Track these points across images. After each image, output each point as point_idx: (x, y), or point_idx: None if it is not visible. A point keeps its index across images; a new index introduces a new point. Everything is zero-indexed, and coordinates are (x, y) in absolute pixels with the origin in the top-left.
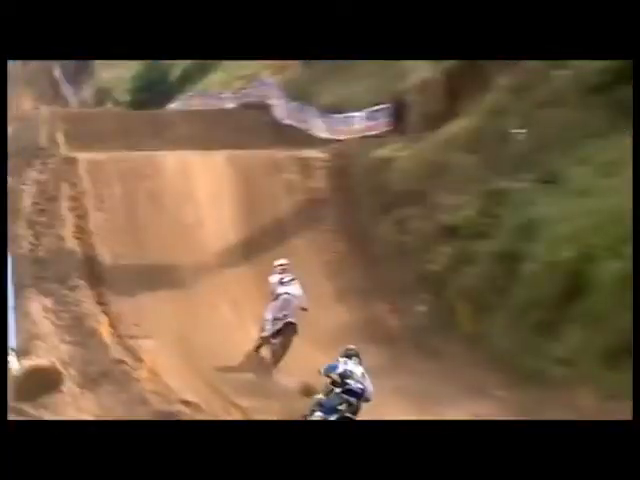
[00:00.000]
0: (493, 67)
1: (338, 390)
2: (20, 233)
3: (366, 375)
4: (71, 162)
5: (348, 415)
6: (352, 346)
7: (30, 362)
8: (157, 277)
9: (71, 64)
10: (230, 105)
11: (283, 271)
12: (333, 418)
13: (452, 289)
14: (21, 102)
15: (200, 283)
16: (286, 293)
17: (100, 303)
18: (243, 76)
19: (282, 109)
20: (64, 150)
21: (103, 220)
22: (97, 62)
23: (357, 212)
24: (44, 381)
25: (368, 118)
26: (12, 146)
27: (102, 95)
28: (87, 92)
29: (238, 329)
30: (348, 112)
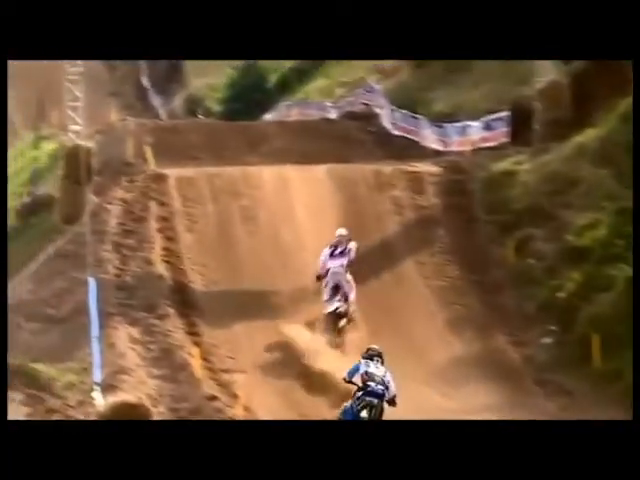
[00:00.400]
0: (626, 67)
1: (360, 393)
2: (105, 257)
3: (389, 375)
4: (160, 179)
5: (375, 414)
6: (374, 346)
7: (116, 398)
8: (253, 304)
9: (160, 71)
10: (332, 115)
11: (338, 243)
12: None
13: (582, 319)
14: (106, 113)
15: (300, 311)
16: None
17: (191, 333)
18: (346, 83)
19: (389, 118)
20: (152, 166)
21: (194, 242)
22: (188, 69)
23: (473, 233)
24: (131, 419)
25: (485, 127)
26: (96, 162)
27: (193, 105)
28: (177, 102)
29: (342, 360)
30: (463, 121)
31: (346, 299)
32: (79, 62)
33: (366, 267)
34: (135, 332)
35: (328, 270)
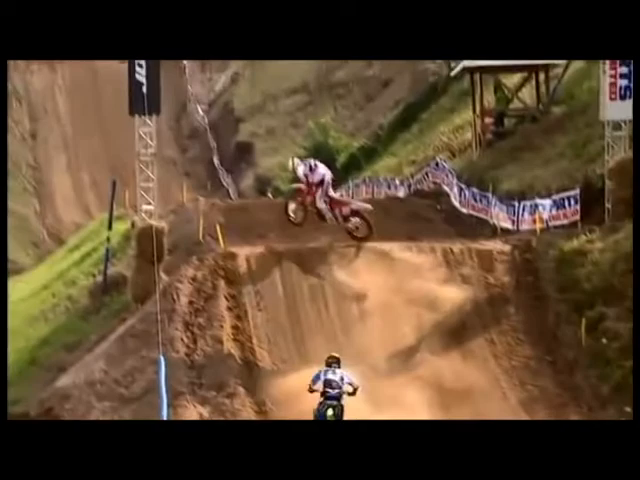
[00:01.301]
0: None
1: (322, 399)
2: (175, 335)
3: (346, 375)
4: (230, 257)
5: (337, 417)
6: (333, 354)
7: None
8: None
9: (231, 151)
10: (401, 193)
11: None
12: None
13: None
14: (178, 193)
15: (367, 390)
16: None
17: (260, 412)
18: (415, 161)
19: (459, 197)
20: (222, 245)
21: (264, 320)
22: (258, 150)
23: (544, 312)
24: None
25: (556, 206)
26: (168, 241)
27: (262, 184)
28: (247, 181)
29: None
30: (533, 199)
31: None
32: (151, 142)
33: (436, 345)
34: (204, 411)
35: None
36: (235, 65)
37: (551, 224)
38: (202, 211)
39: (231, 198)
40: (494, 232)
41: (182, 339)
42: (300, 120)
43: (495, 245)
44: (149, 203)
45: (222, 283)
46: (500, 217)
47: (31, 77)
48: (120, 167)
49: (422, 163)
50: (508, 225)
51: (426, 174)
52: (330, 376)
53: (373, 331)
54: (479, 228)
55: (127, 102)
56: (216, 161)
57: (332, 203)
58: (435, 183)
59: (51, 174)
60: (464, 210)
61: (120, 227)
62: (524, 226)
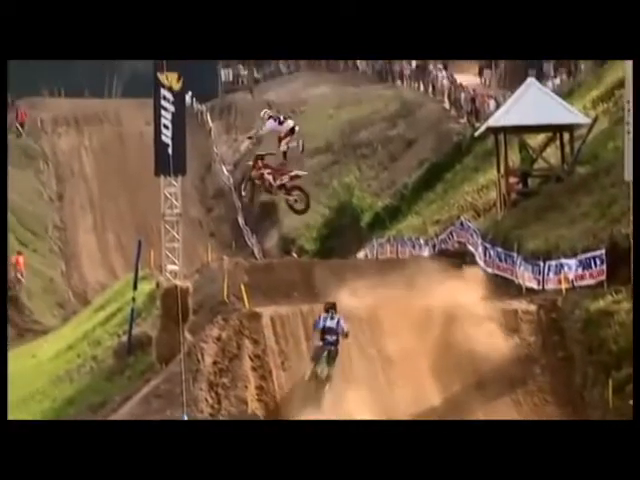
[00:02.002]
0: None
1: (320, 344)
2: (200, 396)
3: (342, 321)
4: (254, 317)
5: (330, 367)
6: (330, 301)
7: None
8: None
9: (255, 211)
10: (425, 252)
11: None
12: (323, 360)
13: None
14: (203, 253)
15: None
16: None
17: None
18: (439, 221)
19: (483, 256)
20: (247, 304)
21: (288, 380)
22: (282, 209)
23: (571, 372)
24: None
25: (582, 266)
26: (193, 301)
27: (287, 244)
28: (272, 241)
29: None
30: (558, 259)
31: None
32: (176, 203)
33: (460, 405)
34: None
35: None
36: (259, 127)
37: (577, 284)
38: (227, 271)
39: (256, 257)
40: (519, 292)
41: (206, 399)
42: (324, 180)
43: (520, 305)
44: (174, 263)
45: (246, 343)
46: (525, 277)
47: (58, 139)
48: (146, 227)
49: (447, 223)
50: (533, 285)
51: (451, 234)
52: (329, 323)
53: (397, 389)
54: (504, 287)
55: (153, 163)
56: (241, 221)
57: (274, 173)
58: (460, 243)
59: (77, 235)
60: (489, 270)
61: (145, 287)
62: (550, 286)
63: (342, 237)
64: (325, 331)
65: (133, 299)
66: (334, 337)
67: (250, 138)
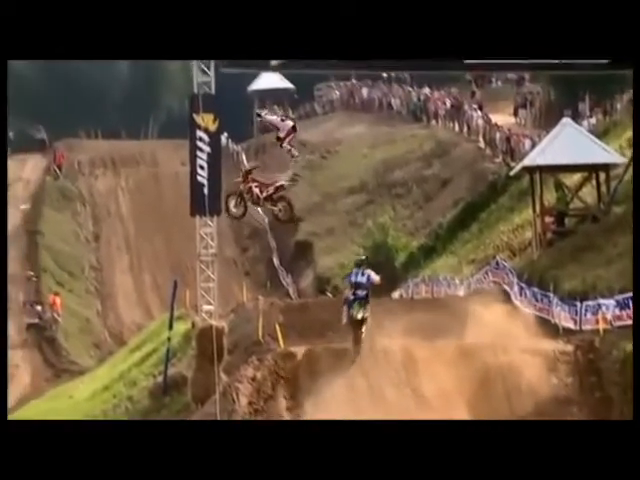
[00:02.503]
0: None
1: (352, 297)
2: None
3: (372, 274)
4: (289, 357)
5: (360, 313)
6: (360, 256)
7: None
8: None
9: (290, 251)
10: (460, 292)
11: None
12: (356, 306)
13: None
14: (238, 293)
15: None
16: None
17: None
18: (474, 260)
19: (519, 295)
20: (282, 344)
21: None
22: (317, 249)
23: (609, 413)
24: None
25: (619, 306)
26: (228, 341)
27: (322, 283)
28: (306, 281)
29: None
30: (595, 299)
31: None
32: (212, 243)
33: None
34: None
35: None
36: (294, 167)
37: (615, 324)
38: (262, 310)
39: (290, 297)
40: (556, 332)
41: None
42: (359, 219)
43: (557, 345)
44: (209, 303)
45: (281, 383)
46: (562, 317)
47: (95, 181)
48: (181, 267)
49: (482, 262)
50: (570, 325)
51: (486, 273)
52: (359, 279)
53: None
54: (540, 328)
55: (188, 203)
56: (276, 261)
57: (260, 186)
58: (495, 282)
59: (113, 275)
60: (525, 310)
61: (181, 327)
62: (587, 326)
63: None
64: (356, 286)
65: (169, 339)
66: (364, 292)
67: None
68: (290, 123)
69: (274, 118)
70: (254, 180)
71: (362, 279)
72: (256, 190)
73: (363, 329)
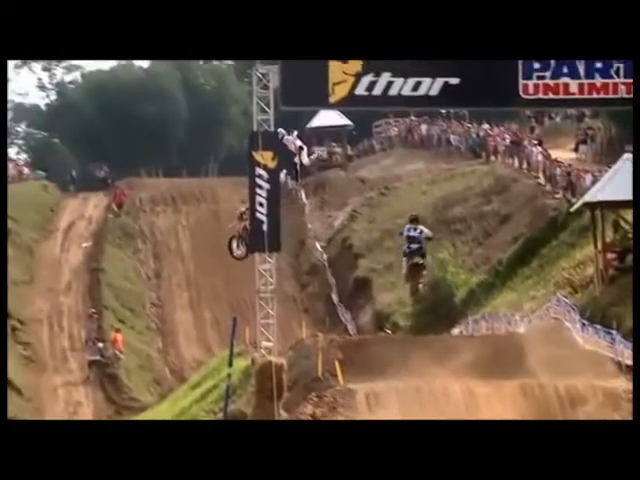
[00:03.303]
0: None
1: (407, 251)
2: None
3: (424, 230)
4: (348, 394)
5: (416, 259)
6: (413, 213)
7: None
8: None
9: (349, 288)
10: (521, 329)
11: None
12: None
13: None
14: (297, 329)
15: None
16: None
17: None
18: (534, 297)
19: (581, 332)
20: (341, 381)
21: None
22: (376, 285)
23: None
24: None
25: None
26: (287, 378)
27: (381, 320)
28: (365, 317)
29: None
30: None
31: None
32: (271, 279)
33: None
34: None
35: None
36: (353, 203)
37: None
38: (321, 347)
39: (349, 334)
40: (619, 369)
41: None
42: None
43: (620, 383)
44: (269, 339)
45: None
46: (625, 354)
47: (156, 218)
48: (240, 304)
49: (543, 299)
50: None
51: (547, 310)
52: (412, 233)
53: None
54: (603, 365)
55: (248, 240)
56: (335, 297)
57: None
58: (556, 319)
59: (174, 312)
60: (587, 347)
61: (240, 364)
62: None
63: (436, 313)
64: (410, 239)
65: (229, 376)
66: (416, 245)
67: None
68: (298, 142)
69: (290, 138)
70: (245, 215)
71: (415, 233)
72: (249, 227)
73: (420, 278)
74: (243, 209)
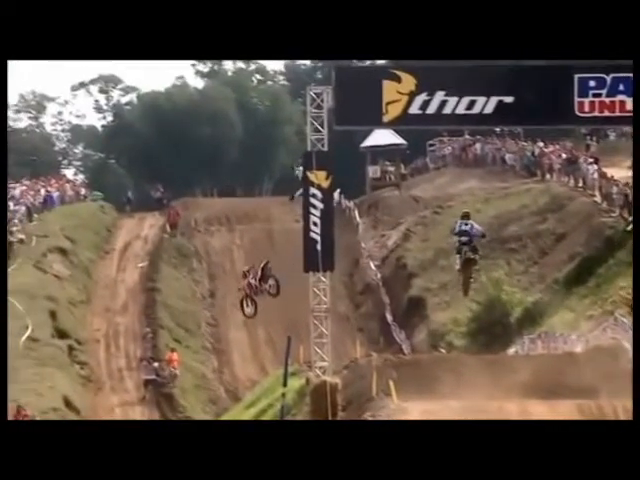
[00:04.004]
0: None
1: (457, 243)
2: None
3: (475, 225)
4: (403, 414)
5: (468, 254)
6: (465, 210)
7: None
8: None
9: (403, 307)
10: (578, 348)
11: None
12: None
13: None
14: (351, 349)
15: None
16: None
17: None
18: (592, 316)
19: None
20: (396, 401)
21: None
22: (430, 304)
23: None
24: None
25: None
26: (342, 397)
27: (435, 339)
28: (420, 336)
29: None
30: None
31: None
32: (325, 299)
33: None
34: None
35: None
36: (407, 222)
37: None
38: (375, 367)
39: (404, 353)
40: None
41: None
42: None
43: None
44: (323, 359)
45: None
46: None
47: (211, 238)
48: (295, 323)
49: (600, 318)
50: None
51: (604, 329)
52: (463, 227)
53: None
54: None
55: (302, 259)
56: (389, 316)
57: (254, 274)
58: (614, 339)
59: (228, 331)
60: None
61: (295, 383)
62: None
63: (491, 333)
64: (460, 233)
65: (283, 395)
66: (466, 238)
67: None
68: None
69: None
70: (248, 273)
71: (466, 227)
72: (252, 281)
73: (472, 272)
74: (246, 268)
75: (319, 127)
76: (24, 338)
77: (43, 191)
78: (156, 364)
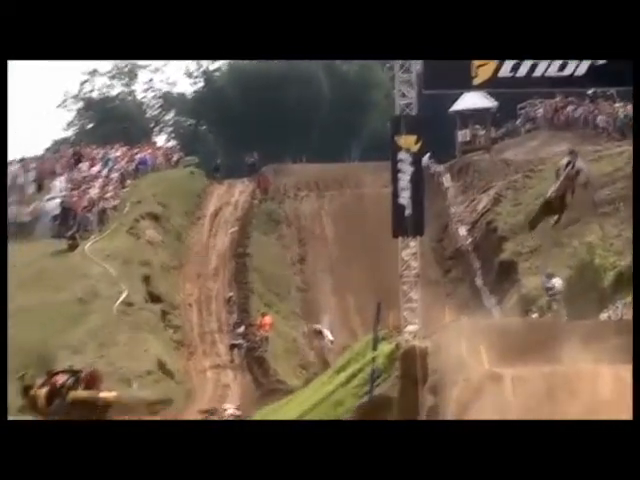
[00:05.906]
0: None
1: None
2: None
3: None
4: (495, 378)
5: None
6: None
7: None
8: None
9: (493, 272)
10: None
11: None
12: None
13: None
14: (441, 314)
15: None
16: None
17: None
18: None
19: None
20: (487, 365)
21: None
22: (521, 269)
23: None
24: None
25: None
26: (432, 362)
27: (527, 304)
28: (510, 301)
29: None
30: None
31: None
32: (414, 264)
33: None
34: None
35: None
36: (497, 186)
37: None
38: (465, 331)
39: (494, 318)
40: None
41: None
42: (564, 239)
43: None
44: (413, 324)
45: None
46: None
47: (300, 204)
48: (384, 289)
49: None
50: None
51: None
52: (547, 284)
53: None
54: None
55: (391, 225)
56: (478, 281)
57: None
58: None
59: (318, 297)
60: None
61: (385, 348)
62: None
63: (584, 298)
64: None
65: (373, 359)
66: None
67: None
68: None
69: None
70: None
71: (549, 284)
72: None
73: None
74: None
75: (407, 91)
76: (118, 303)
77: (137, 157)
78: (241, 329)
